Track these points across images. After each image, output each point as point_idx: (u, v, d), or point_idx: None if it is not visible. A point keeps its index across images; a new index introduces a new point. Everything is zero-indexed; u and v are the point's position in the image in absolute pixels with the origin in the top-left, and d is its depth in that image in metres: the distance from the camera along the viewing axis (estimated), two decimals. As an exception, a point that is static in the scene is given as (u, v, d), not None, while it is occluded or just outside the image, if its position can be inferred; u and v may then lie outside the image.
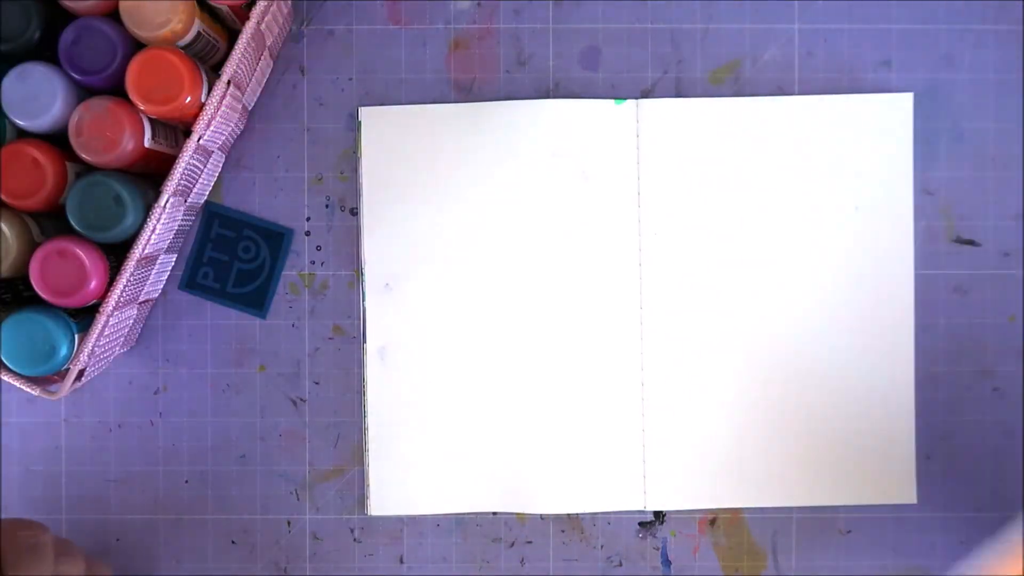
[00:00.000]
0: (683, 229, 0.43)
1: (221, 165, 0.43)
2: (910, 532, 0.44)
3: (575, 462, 0.42)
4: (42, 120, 0.35)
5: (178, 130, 0.39)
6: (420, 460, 0.43)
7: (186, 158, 0.36)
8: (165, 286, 0.43)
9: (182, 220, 0.40)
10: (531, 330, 0.42)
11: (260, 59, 0.40)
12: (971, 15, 0.43)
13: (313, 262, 0.43)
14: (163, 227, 0.37)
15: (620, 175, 0.42)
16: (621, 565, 0.44)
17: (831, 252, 0.43)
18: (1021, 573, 0.35)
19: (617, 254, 0.42)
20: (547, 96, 0.43)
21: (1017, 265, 0.43)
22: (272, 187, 0.43)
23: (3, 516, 0.43)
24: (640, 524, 0.44)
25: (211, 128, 0.37)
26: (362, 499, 0.43)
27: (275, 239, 0.43)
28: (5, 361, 0.36)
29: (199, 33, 0.36)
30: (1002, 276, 0.43)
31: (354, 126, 0.43)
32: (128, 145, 0.35)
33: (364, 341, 0.43)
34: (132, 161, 0.36)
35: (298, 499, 0.43)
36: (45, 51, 0.36)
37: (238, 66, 0.37)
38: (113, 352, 0.40)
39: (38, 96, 0.35)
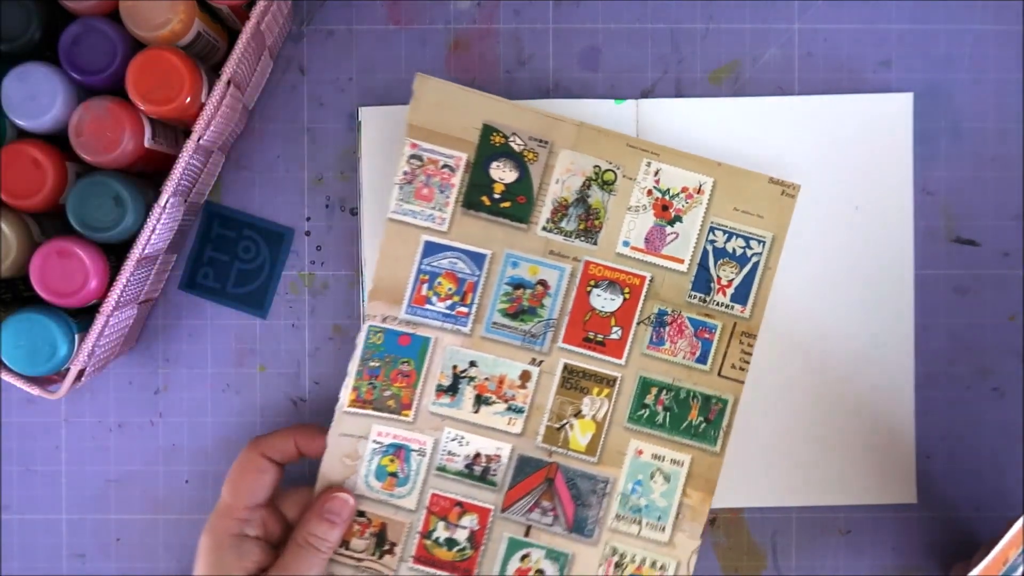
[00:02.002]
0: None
1: (221, 165, 0.43)
2: (910, 532, 0.44)
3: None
4: (42, 120, 0.35)
5: (178, 130, 0.39)
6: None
7: (186, 158, 0.36)
8: (165, 286, 0.43)
9: (182, 220, 0.40)
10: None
11: (260, 59, 0.40)
12: (971, 15, 0.43)
13: (313, 262, 0.43)
14: (163, 227, 0.37)
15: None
16: (621, 565, 0.44)
17: (831, 252, 0.43)
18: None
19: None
20: (547, 96, 0.43)
21: (1017, 265, 0.43)
22: (272, 187, 0.43)
23: (3, 516, 0.43)
24: (640, 524, 0.44)
25: (211, 128, 0.37)
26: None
27: (275, 239, 0.43)
28: (5, 361, 0.36)
29: (199, 33, 0.36)
30: (1002, 276, 0.43)
31: (354, 126, 0.43)
32: (128, 145, 0.35)
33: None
34: (132, 161, 0.36)
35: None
36: (45, 51, 0.36)
37: (238, 66, 0.37)
38: (113, 352, 0.40)
39: (38, 96, 0.35)
